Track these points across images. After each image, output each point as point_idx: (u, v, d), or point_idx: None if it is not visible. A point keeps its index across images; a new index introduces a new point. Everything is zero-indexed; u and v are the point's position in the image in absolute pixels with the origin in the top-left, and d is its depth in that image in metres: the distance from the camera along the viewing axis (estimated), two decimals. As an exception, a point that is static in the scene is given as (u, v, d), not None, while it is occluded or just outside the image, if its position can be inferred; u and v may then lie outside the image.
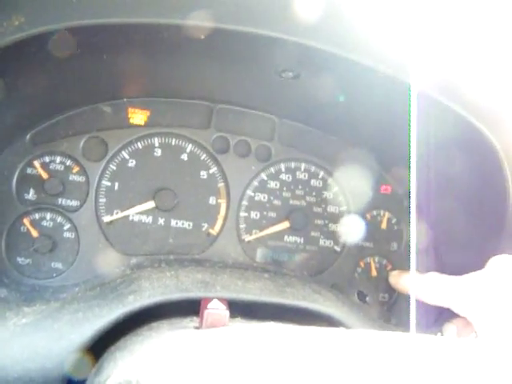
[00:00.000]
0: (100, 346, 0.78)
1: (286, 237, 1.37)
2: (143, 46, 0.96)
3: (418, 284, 1.16)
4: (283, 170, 1.37)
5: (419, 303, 1.17)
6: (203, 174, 1.33)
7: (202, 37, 0.85)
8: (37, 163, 1.23)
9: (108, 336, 0.80)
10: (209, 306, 0.74)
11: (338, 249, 1.39)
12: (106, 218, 1.27)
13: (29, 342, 0.76)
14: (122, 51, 0.99)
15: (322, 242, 1.39)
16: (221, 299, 0.77)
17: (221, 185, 1.33)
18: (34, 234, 1.22)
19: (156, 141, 1.30)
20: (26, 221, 1.21)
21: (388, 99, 1.03)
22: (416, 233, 1.38)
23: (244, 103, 1.32)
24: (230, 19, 0.82)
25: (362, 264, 1.40)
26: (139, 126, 1.28)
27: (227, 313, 0.75)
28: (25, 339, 0.76)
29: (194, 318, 0.85)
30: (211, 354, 0.62)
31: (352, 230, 1.38)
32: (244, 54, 0.98)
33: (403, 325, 0.78)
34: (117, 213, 1.27)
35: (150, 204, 1.28)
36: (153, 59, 1.07)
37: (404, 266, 1.36)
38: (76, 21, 0.80)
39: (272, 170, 1.36)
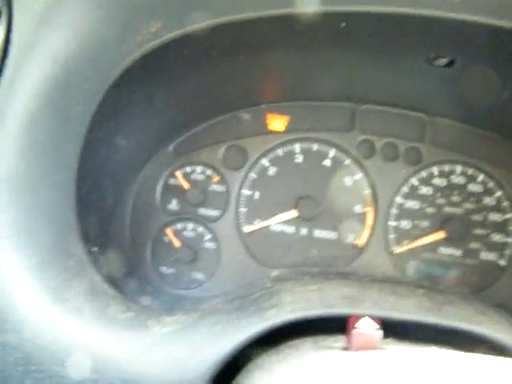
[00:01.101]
0: (238, 361, 0.74)
1: (441, 248, 1.23)
2: (280, 44, 0.92)
3: None
4: (436, 173, 1.24)
5: None
6: (348, 181, 1.25)
7: (343, 24, 0.77)
8: (179, 174, 1.24)
9: (246, 350, 0.75)
10: (358, 324, 0.65)
11: (503, 263, 1.23)
12: (247, 228, 1.24)
13: (169, 352, 0.74)
14: (258, 51, 0.95)
15: (483, 255, 1.23)
16: (373, 317, 0.67)
17: (367, 192, 1.24)
18: (177, 244, 1.23)
19: (297, 147, 1.25)
20: (169, 231, 1.23)
21: None
22: None
23: (390, 102, 1.23)
24: (375, 0, 0.73)
25: (533, 280, 1.21)
26: (279, 132, 1.24)
27: (380, 333, 0.65)
28: (165, 349, 0.74)
29: (340, 338, 0.77)
30: (360, 381, 0.53)
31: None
32: (391, 42, 0.88)
33: None
34: (257, 223, 1.24)
35: (292, 213, 1.23)
36: (291, 59, 1.02)
37: None
38: (210, 20, 0.78)
39: (423, 174, 1.24)
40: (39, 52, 0.71)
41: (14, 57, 0.71)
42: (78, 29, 0.74)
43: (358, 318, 0.67)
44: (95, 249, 0.92)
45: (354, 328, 0.65)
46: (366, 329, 0.66)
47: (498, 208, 1.23)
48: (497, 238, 1.23)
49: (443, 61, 0.93)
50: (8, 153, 0.71)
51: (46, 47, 0.71)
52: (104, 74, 0.77)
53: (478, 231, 1.23)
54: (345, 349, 0.68)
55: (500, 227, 1.23)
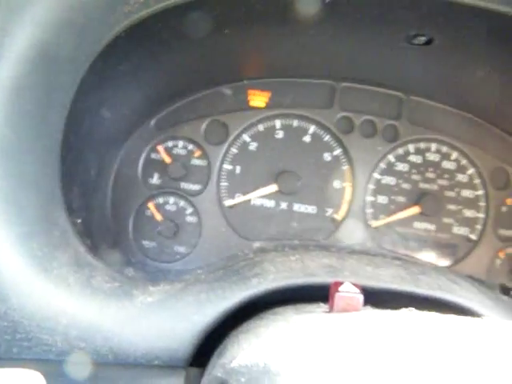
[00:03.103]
0: (221, 330, 0.75)
1: (415, 223, 1.27)
2: (263, 18, 0.92)
3: None
4: (412, 150, 1.28)
5: None
6: (327, 156, 1.27)
7: (327, 0, 0.78)
8: (160, 148, 1.24)
9: (228, 320, 0.77)
10: (340, 288, 0.68)
11: (474, 237, 1.27)
12: (228, 202, 1.25)
13: (154, 320, 0.75)
14: (242, 26, 0.95)
15: (455, 230, 1.28)
16: (353, 283, 0.70)
17: (346, 167, 1.27)
18: (158, 217, 1.23)
19: (277, 123, 1.26)
20: (150, 205, 1.23)
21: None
22: None
23: (369, 80, 1.25)
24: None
25: (502, 255, 1.26)
26: (260, 108, 1.25)
27: (361, 296, 0.68)
28: (150, 317, 0.75)
29: (321, 304, 0.79)
30: (345, 338, 0.56)
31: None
32: (373, 17, 0.89)
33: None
34: (238, 196, 1.26)
35: (273, 187, 1.25)
36: (273, 34, 1.03)
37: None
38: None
39: (400, 151, 1.27)
40: (26, 17, 0.70)
41: (-1, 21, 0.70)
42: (66, -3, 0.73)
43: (340, 283, 0.70)
44: (79, 221, 0.92)
45: (336, 292, 0.68)
46: (348, 292, 0.68)
47: (470, 185, 1.27)
48: (468, 213, 1.27)
49: (422, 39, 0.95)
50: (-6, 120, 0.71)
51: (34, 13, 0.70)
52: (91, 43, 0.77)
53: (451, 207, 1.27)
54: (328, 312, 0.71)
55: (472, 203, 1.27)
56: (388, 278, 0.87)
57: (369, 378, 0.47)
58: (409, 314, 0.66)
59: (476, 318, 0.70)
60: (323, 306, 0.77)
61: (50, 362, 0.71)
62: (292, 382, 0.50)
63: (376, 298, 0.81)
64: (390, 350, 0.51)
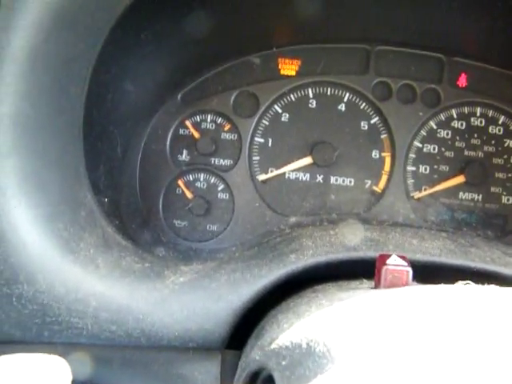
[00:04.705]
0: (258, 310, 0.72)
1: (461, 193, 1.20)
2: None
3: None
4: (455, 116, 1.20)
5: None
6: (364, 125, 1.20)
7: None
8: (188, 123, 1.20)
9: (265, 299, 0.73)
10: (388, 261, 0.62)
11: (524, 207, 1.19)
12: (261, 177, 1.21)
13: (187, 301, 0.72)
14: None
15: (504, 199, 1.20)
16: (400, 255, 0.64)
17: (384, 136, 1.20)
18: (189, 195, 1.20)
19: (310, 91, 1.20)
20: (180, 182, 1.20)
21: None
22: None
23: (406, 42, 1.17)
24: None
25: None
26: (291, 76, 1.20)
27: (410, 270, 0.62)
28: (183, 298, 0.73)
29: (365, 281, 0.74)
30: (397, 317, 0.50)
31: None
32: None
33: None
34: (271, 171, 1.21)
35: (307, 160, 1.19)
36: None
37: None
38: None
39: (442, 116, 1.20)
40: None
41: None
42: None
43: (386, 255, 0.64)
44: (106, 200, 0.90)
45: (383, 265, 0.62)
46: (396, 266, 0.63)
47: (519, 151, 1.20)
48: (519, 181, 1.20)
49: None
50: (10, 93, 0.67)
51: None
52: (109, 7, 0.72)
53: (499, 175, 1.20)
54: (374, 287, 0.65)
55: (522, 171, 1.20)
56: (436, 251, 0.82)
57: (425, 360, 0.41)
58: (466, 288, 0.60)
59: None
60: (367, 283, 0.72)
61: (83, 346, 0.69)
62: (339, 366, 0.45)
63: (422, 273, 0.76)
64: (447, 329, 0.46)
